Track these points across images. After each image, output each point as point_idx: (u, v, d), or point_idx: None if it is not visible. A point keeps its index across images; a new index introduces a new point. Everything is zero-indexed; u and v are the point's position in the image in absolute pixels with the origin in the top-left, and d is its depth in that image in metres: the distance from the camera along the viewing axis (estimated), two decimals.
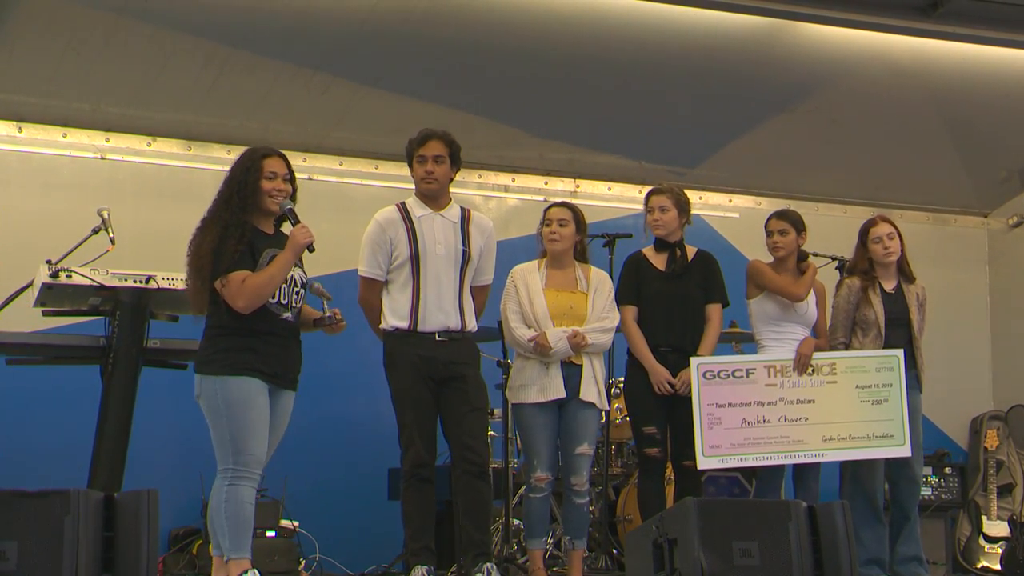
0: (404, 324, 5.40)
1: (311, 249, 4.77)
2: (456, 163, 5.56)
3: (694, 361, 5.83)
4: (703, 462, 5.78)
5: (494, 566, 5.43)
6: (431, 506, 5.42)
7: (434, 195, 5.52)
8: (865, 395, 5.99)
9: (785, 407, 5.90)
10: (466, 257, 5.51)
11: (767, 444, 5.84)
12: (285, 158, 4.88)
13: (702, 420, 5.77)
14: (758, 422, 5.85)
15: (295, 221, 4.78)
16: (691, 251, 6.05)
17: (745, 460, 5.88)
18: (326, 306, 4.92)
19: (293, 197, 4.88)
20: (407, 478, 5.34)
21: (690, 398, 5.80)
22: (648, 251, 6.06)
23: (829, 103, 8.10)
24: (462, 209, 5.63)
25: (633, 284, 5.96)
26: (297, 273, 4.85)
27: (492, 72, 7.50)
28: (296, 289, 4.84)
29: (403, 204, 5.56)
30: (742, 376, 5.89)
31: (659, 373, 5.81)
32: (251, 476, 4.63)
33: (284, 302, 4.77)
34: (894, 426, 6.00)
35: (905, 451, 5.99)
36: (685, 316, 5.92)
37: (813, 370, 5.96)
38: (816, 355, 5.98)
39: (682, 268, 5.96)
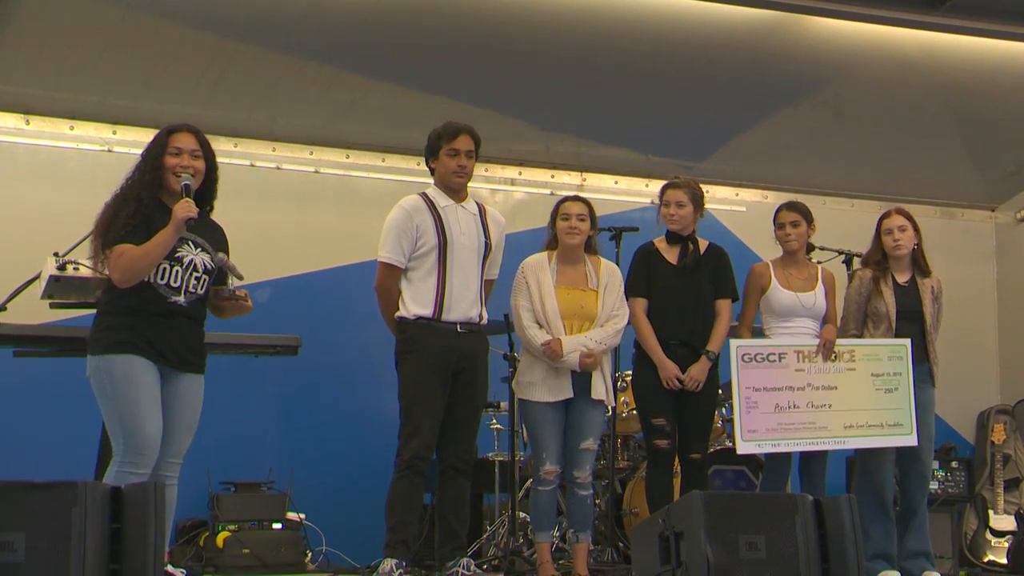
0: (428, 312, 5.41)
1: (192, 223, 4.57)
2: (477, 157, 5.64)
3: (734, 343, 5.87)
4: (742, 447, 5.81)
5: (471, 561, 5.49)
6: (418, 501, 5.45)
7: (460, 188, 5.56)
8: (879, 383, 6.01)
9: (812, 393, 5.92)
10: (488, 248, 5.55)
11: (796, 430, 5.86)
12: (197, 134, 4.74)
13: (741, 404, 5.79)
14: (789, 407, 5.87)
15: (182, 197, 4.59)
16: (702, 244, 6.03)
17: (778, 446, 5.88)
18: (232, 282, 4.78)
19: (212, 176, 4.77)
20: (402, 468, 5.34)
21: (698, 392, 5.81)
22: (660, 243, 6.04)
23: (836, 97, 8.09)
24: (477, 203, 5.67)
25: (644, 277, 5.94)
26: (201, 258, 4.69)
27: (499, 65, 7.50)
28: (196, 274, 4.68)
29: (425, 194, 5.57)
30: (775, 360, 5.91)
31: (668, 368, 5.81)
32: (142, 458, 4.46)
33: (176, 285, 4.62)
34: (903, 415, 6.02)
35: (912, 440, 6.00)
36: (696, 311, 5.91)
37: (835, 357, 5.98)
38: (838, 342, 6.00)
39: (694, 263, 5.95)
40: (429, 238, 5.44)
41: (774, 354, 5.92)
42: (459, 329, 5.43)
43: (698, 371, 5.82)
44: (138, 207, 4.57)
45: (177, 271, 4.62)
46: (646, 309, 5.91)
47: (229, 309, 4.86)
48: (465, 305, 5.45)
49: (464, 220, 5.53)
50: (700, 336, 5.88)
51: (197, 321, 4.76)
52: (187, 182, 4.64)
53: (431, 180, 5.65)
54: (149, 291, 4.57)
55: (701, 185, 6.14)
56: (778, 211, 6.23)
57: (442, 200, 5.53)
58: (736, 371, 5.82)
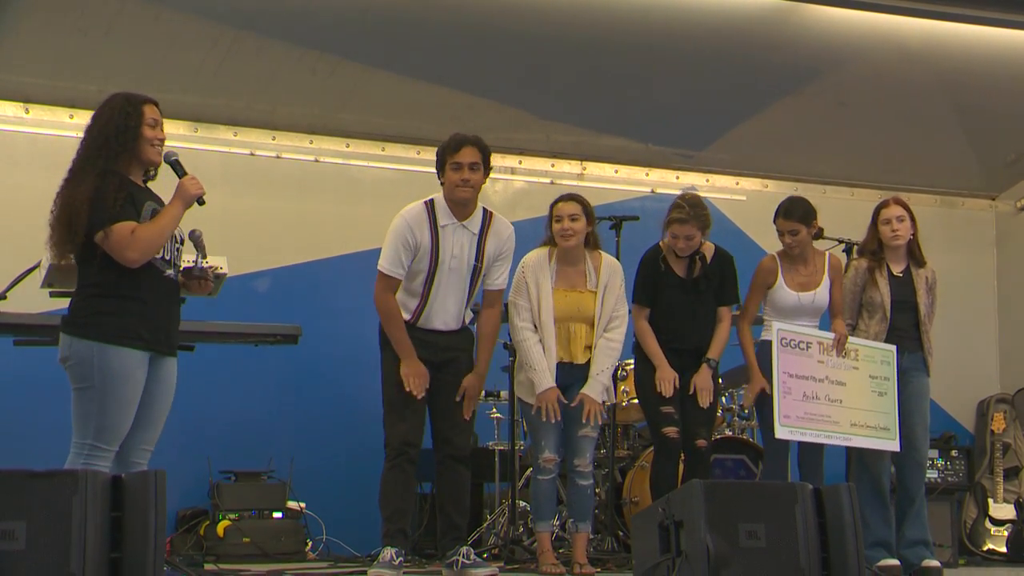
0: (407, 317, 5.43)
1: (201, 202, 4.47)
2: (488, 168, 5.50)
3: (776, 325, 5.88)
4: (780, 431, 5.78)
5: (471, 549, 5.48)
6: (411, 489, 5.47)
7: (467, 202, 5.46)
8: (874, 386, 6.05)
9: (829, 386, 5.94)
10: (476, 271, 5.50)
11: (817, 421, 5.87)
12: (159, 105, 4.51)
13: (779, 388, 5.79)
14: (813, 398, 5.88)
15: (183, 172, 4.49)
16: (708, 250, 5.95)
17: (805, 435, 5.88)
18: (199, 259, 4.57)
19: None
20: (392, 457, 5.33)
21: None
22: (667, 250, 5.97)
23: (837, 85, 8.08)
24: (484, 214, 5.56)
25: (650, 287, 5.90)
26: (177, 229, 4.51)
27: (499, 54, 7.49)
28: (177, 245, 4.52)
29: (431, 205, 5.46)
30: (804, 348, 5.92)
31: (666, 372, 5.78)
32: (107, 456, 4.30)
33: (167, 258, 4.44)
34: (891, 420, 6.07)
35: (895, 447, 6.04)
36: (700, 322, 5.90)
37: (845, 354, 5.99)
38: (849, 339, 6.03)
39: (702, 276, 5.91)
40: (422, 258, 5.40)
41: (803, 342, 5.93)
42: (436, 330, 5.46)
43: (702, 380, 5.81)
44: (121, 180, 4.34)
45: (167, 244, 4.46)
46: (648, 316, 5.90)
47: (192, 288, 4.66)
48: (439, 323, 5.45)
49: (459, 243, 5.44)
50: (703, 342, 5.89)
51: (179, 299, 4.61)
52: (175, 156, 4.51)
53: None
54: (151, 269, 4.39)
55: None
56: (776, 218, 6.10)
57: (444, 218, 5.44)
58: (776, 354, 5.82)
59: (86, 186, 4.28)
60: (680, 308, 5.88)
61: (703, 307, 5.91)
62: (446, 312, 5.45)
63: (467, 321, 5.57)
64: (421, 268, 5.41)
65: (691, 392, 5.82)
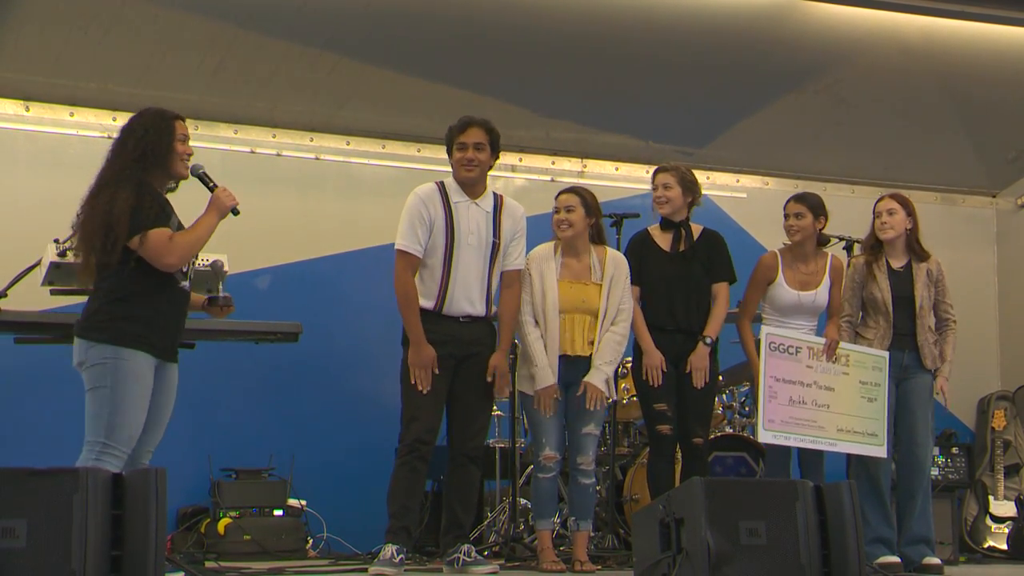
0: (430, 305, 5.43)
1: (235, 212, 4.66)
2: (496, 151, 5.56)
3: (764, 330, 5.89)
4: (763, 435, 5.81)
5: (472, 547, 5.50)
6: (420, 487, 5.48)
7: (473, 182, 5.51)
8: (864, 391, 6.06)
9: (816, 391, 5.94)
10: (495, 248, 5.53)
11: (802, 426, 5.88)
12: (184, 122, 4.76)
13: (764, 392, 5.80)
14: (799, 402, 5.89)
15: (213, 184, 4.68)
16: (696, 229, 6.02)
17: (789, 439, 5.89)
18: (221, 287, 4.81)
19: None
20: (404, 453, 5.36)
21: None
22: (654, 230, 6.04)
23: (838, 83, 8.08)
24: (495, 196, 5.62)
25: (636, 264, 5.93)
26: None
27: (499, 51, 7.49)
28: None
29: (442, 185, 5.54)
30: (793, 353, 5.93)
31: (653, 356, 5.80)
32: (120, 455, 4.42)
33: (184, 270, 4.62)
34: (879, 426, 6.08)
35: (882, 452, 6.06)
36: (689, 297, 5.90)
37: (836, 359, 5.99)
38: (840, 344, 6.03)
39: (688, 250, 5.93)
40: (438, 234, 5.44)
41: (793, 347, 5.94)
42: (461, 320, 5.46)
43: (698, 359, 5.82)
44: (154, 192, 4.54)
45: None
46: (639, 296, 5.91)
47: (215, 314, 4.88)
48: (466, 303, 5.47)
49: (474, 219, 5.49)
50: (696, 322, 5.88)
51: (187, 310, 4.77)
52: (202, 169, 4.70)
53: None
54: (168, 277, 4.54)
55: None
56: (787, 201, 6.19)
57: (456, 195, 5.50)
58: (763, 358, 5.83)
59: (126, 195, 4.44)
60: (667, 281, 5.89)
61: (690, 281, 5.91)
62: (470, 290, 5.47)
63: (491, 311, 5.58)
64: (439, 245, 5.43)
65: (687, 371, 5.82)
